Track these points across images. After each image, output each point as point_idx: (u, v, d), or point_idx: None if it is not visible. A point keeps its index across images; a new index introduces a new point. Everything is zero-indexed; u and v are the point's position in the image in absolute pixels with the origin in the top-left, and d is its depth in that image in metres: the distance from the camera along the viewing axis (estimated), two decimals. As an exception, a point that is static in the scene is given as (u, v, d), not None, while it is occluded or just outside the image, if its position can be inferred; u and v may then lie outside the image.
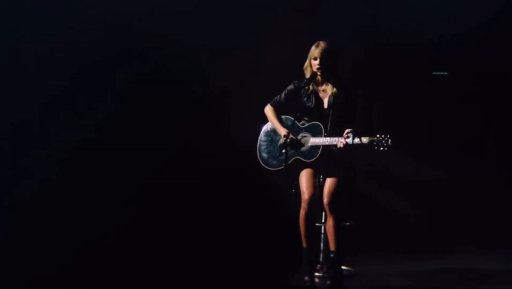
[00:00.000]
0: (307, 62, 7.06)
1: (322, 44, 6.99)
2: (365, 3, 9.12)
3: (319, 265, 7.28)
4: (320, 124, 6.97)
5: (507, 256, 8.38)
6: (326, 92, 7.06)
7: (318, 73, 7.01)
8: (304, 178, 7.03)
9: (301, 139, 7.05)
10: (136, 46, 8.53)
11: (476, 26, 8.95)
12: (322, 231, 7.32)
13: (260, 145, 7.27)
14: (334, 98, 7.00)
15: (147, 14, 8.50)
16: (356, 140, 6.70)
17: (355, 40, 8.89)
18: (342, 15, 8.98)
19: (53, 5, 8.34)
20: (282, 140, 7.02)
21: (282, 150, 6.97)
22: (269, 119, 7.27)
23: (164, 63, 8.65)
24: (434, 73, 9.69)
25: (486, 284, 7.29)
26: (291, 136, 6.97)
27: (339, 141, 6.78)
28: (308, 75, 7.06)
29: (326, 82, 7.06)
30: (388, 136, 6.64)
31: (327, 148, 6.90)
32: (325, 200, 6.96)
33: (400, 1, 9.05)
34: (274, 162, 7.12)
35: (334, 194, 6.94)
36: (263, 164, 7.21)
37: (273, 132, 7.24)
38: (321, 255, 7.34)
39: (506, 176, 9.49)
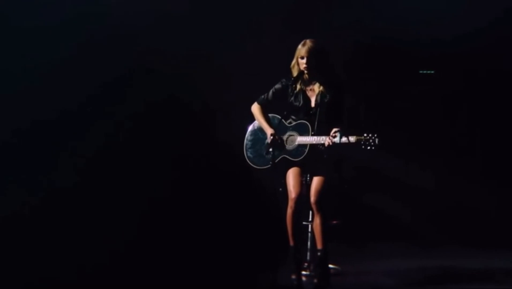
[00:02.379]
0: (294, 61, 7.05)
1: (309, 42, 6.98)
2: (353, 2, 9.14)
3: (306, 264, 7.29)
4: (307, 123, 6.97)
5: (492, 255, 8.42)
6: (314, 91, 7.06)
7: (305, 71, 7.01)
8: (291, 176, 7.03)
9: (288, 138, 7.05)
10: (121, 48, 8.51)
11: (467, 26, 8.98)
12: (309, 229, 7.33)
13: (246, 144, 7.26)
14: (321, 97, 6.99)
15: (132, 19, 8.49)
16: (344, 139, 6.70)
17: (343, 39, 8.91)
18: (331, 14, 9.00)
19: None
20: (269, 139, 7.02)
21: (269, 148, 6.96)
22: (256, 118, 7.26)
23: (149, 66, 8.63)
24: (421, 72, 9.72)
25: (473, 282, 7.30)
26: (277, 136, 6.97)
27: (326, 140, 6.78)
28: (295, 73, 7.05)
29: (313, 81, 7.06)
30: (376, 135, 6.64)
31: (314, 147, 6.90)
32: (312, 198, 6.96)
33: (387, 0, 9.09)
34: (261, 161, 7.12)
35: (321, 192, 6.94)
36: (250, 163, 7.20)
37: (259, 131, 7.23)
38: (308, 253, 7.35)
39: (492, 176, 9.54)
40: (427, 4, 9.09)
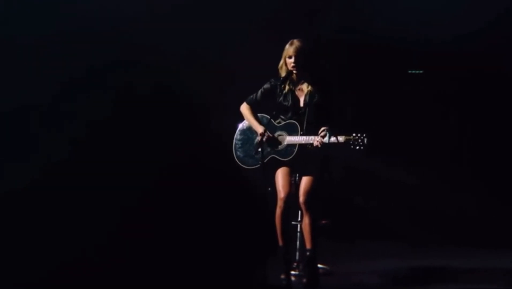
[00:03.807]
0: (282, 61, 7.05)
1: (296, 42, 6.98)
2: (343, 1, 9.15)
3: (295, 264, 7.29)
4: (296, 123, 6.97)
5: (479, 254, 8.45)
6: (302, 90, 7.06)
7: (294, 71, 7.01)
8: (280, 176, 7.03)
9: (277, 137, 7.04)
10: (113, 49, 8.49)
11: (460, 27, 9.01)
12: (298, 229, 7.33)
13: (235, 143, 7.26)
14: (310, 96, 6.99)
15: (124, 17, 8.46)
16: (333, 139, 6.71)
17: (333, 39, 8.93)
18: (319, 14, 9.01)
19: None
20: (258, 138, 7.01)
21: (258, 148, 6.95)
22: (245, 117, 7.25)
23: (141, 66, 8.61)
24: (410, 71, 9.73)
25: (460, 281, 7.32)
26: (267, 134, 6.96)
27: (315, 140, 6.78)
28: (283, 74, 7.05)
29: (301, 81, 7.06)
30: (364, 135, 6.65)
31: (303, 146, 6.90)
32: (301, 198, 6.96)
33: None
34: (250, 161, 7.11)
35: (310, 192, 6.94)
36: (239, 163, 7.20)
37: (248, 131, 7.23)
38: (297, 253, 7.35)
39: (480, 176, 9.57)
40: (420, 4, 9.11)
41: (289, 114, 7.05)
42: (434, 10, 9.08)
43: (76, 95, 8.27)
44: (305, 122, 6.95)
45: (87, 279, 7.02)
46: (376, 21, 9.07)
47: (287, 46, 7.00)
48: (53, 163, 8.06)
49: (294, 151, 6.93)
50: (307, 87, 7.02)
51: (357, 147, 6.66)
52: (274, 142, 7.03)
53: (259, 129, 7.04)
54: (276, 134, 7.05)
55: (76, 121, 8.25)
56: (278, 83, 7.07)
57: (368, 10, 9.15)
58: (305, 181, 6.97)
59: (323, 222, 7.38)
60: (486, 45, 9.20)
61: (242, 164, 7.17)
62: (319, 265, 7.16)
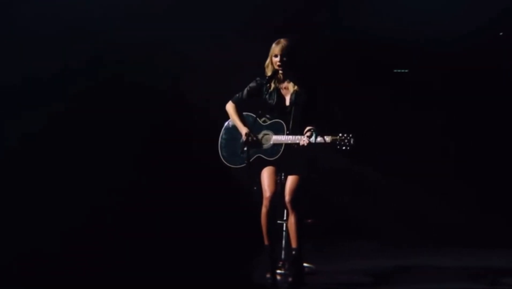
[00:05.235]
0: (268, 60, 7.05)
1: (282, 41, 6.98)
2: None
3: (280, 263, 7.27)
4: (282, 122, 6.97)
5: (463, 253, 8.49)
6: (288, 89, 7.06)
7: (280, 70, 7.00)
8: (266, 175, 7.02)
9: (263, 136, 7.04)
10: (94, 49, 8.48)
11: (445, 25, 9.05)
12: (284, 228, 7.32)
13: (221, 142, 7.25)
14: (296, 95, 6.99)
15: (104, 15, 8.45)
16: (319, 138, 6.71)
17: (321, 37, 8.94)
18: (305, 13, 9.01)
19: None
20: (244, 138, 7.01)
21: (244, 148, 6.95)
22: (230, 116, 7.24)
23: (125, 64, 8.60)
24: (395, 70, 9.75)
25: (444, 280, 7.34)
26: (251, 136, 6.96)
27: (302, 140, 6.79)
28: (269, 72, 7.05)
29: (287, 80, 7.06)
30: (351, 135, 6.66)
31: (289, 146, 6.90)
32: (287, 197, 6.96)
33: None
34: (236, 160, 7.10)
35: (296, 191, 6.94)
36: (224, 162, 7.19)
37: (234, 129, 7.21)
38: (283, 252, 7.34)
39: (464, 176, 9.61)
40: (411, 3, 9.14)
41: (275, 113, 7.05)
42: (423, 8, 9.10)
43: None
44: (291, 122, 6.95)
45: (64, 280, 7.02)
46: (363, 19, 9.09)
47: (274, 45, 7.00)
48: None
49: (280, 150, 6.93)
50: (293, 86, 7.02)
51: (344, 147, 6.67)
52: (260, 141, 7.03)
53: (243, 129, 7.04)
54: (262, 133, 7.05)
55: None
56: (264, 82, 7.07)
57: (356, 7, 9.16)
58: (291, 180, 6.98)
59: (309, 221, 7.37)
60: (468, 46, 9.25)
61: (228, 163, 7.16)
62: (305, 264, 7.16)
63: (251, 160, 6.98)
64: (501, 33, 9.37)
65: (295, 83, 7.02)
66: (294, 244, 6.98)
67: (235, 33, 8.80)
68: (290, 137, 6.89)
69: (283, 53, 6.93)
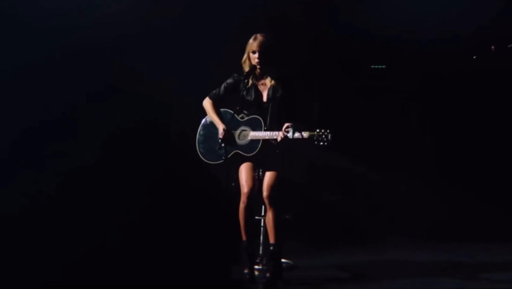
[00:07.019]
0: (245, 56, 7.05)
1: (259, 37, 6.98)
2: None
3: (258, 258, 7.29)
4: (260, 118, 6.98)
5: (439, 247, 8.54)
6: (265, 85, 7.07)
7: (257, 66, 7.01)
8: (244, 171, 7.04)
9: (241, 133, 7.05)
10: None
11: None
12: (262, 224, 7.34)
13: (199, 138, 7.25)
14: (273, 91, 7.00)
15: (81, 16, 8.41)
16: (297, 134, 6.73)
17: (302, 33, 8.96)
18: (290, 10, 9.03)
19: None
20: (221, 134, 7.01)
21: (221, 144, 6.96)
22: (207, 113, 7.25)
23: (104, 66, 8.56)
24: (373, 66, 9.79)
25: (423, 274, 7.38)
26: (227, 134, 6.97)
27: (279, 135, 6.80)
28: (246, 69, 7.05)
29: (265, 76, 7.07)
30: (328, 131, 6.68)
31: (267, 141, 6.91)
32: (265, 193, 6.98)
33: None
34: (213, 156, 7.11)
35: (273, 187, 6.96)
36: (202, 158, 7.19)
37: (212, 126, 7.21)
38: (261, 248, 7.35)
39: (441, 171, 9.67)
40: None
41: (253, 109, 7.06)
42: (408, 7, 9.14)
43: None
44: (268, 117, 6.96)
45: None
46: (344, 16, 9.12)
47: (251, 40, 7.00)
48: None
49: (258, 146, 6.94)
50: (270, 82, 7.03)
51: (321, 143, 6.69)
52: (237, 138, 7.03)
53: (220, 126, 7.05)
54: (239, 130, 7.05)
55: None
56: (242, 78, 7.07)
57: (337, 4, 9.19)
58: (268, 176, 6.99)
59: (287, 216, 7.39)
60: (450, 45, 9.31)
61: (205, 159, 7.16)
62: (283, 260, 7.17)
63: (228, 156, 6.99)
64: (492, 47, 9.42)
65: (272, 79, 7.02)
66: (272, 239, 7.00)
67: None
68: (268, 133, 6.90)
69: (261, 49, 6.94)
